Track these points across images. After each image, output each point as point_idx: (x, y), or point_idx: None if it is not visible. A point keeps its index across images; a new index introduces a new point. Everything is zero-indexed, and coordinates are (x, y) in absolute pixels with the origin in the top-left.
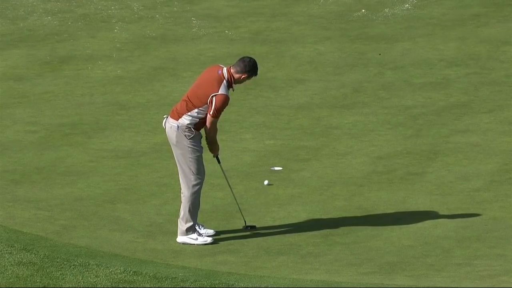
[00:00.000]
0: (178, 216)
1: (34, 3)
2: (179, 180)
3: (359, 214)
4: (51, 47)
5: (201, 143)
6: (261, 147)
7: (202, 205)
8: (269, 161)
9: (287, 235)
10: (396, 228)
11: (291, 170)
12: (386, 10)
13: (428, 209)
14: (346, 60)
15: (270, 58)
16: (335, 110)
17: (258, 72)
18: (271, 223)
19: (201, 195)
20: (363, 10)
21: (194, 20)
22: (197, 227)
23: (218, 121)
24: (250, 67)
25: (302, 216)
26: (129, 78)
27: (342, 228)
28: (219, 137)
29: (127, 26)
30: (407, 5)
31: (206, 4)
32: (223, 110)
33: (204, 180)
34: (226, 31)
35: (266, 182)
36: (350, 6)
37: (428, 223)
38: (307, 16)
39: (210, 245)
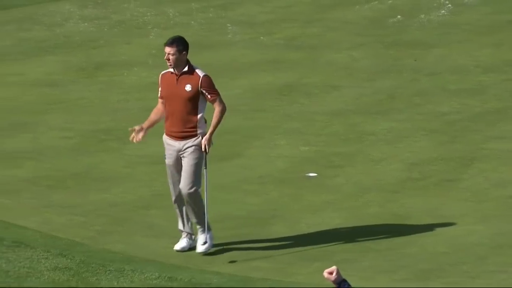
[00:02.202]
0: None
1: (71, 10)
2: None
3: (393, 221)
4: (86, 54)
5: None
6: (296, 153)
7: (237, 211)
8: (303, 167)
9: (321, 241)
10: (430, 234)
11: (325, 176)
12: (422, 16)
13: (463, 216)
14: (380, 66)
15: (304, 64)
16: (370, 116)
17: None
18: (305, 230)
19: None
20: (399, 16)
21: (229, 27)
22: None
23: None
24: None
25: (336, 222)
26: None
27: (376, 234)
28: (254, 143)
29: (163, 32)
30: (443, 11)
31: (241, 10)
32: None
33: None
34: (261, 37)
35: (311, 174)
36: (385, 12)
37: (463, 230)
38: (342, 22)
39: (245, 251)
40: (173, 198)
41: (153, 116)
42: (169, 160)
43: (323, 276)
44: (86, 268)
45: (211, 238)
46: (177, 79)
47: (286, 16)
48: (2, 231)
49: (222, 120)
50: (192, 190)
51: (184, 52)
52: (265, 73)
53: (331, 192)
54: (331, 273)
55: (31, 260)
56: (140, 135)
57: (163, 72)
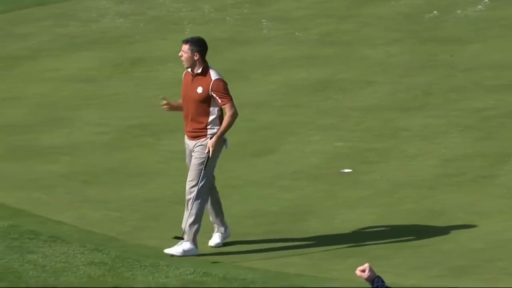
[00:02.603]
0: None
1: (107, 6)
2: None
3: (428, 217)
4: (122, 49)
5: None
6: (330, 149)
7: (271, 207)
8: (337, 163)
9: (355, 237)
10: (466, 231)
11: (360, 172)
12: (459, 11)
13: (499, 212)
14: (416, 62)
15: (339, 60)
16: (405, 112)
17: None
18: (339, 226)
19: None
20: (435, 12)
21: (264, 22)
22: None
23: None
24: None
25: (370, 218)
26: None
27: (411, 231)
28: (288, 139)
29: (198, 28)
30: (479, 6)
31: (276, 6)
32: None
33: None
34: (296, 33)
35: (345, 170)
36: (421, 7)
37: (499, 226)
38: (377, 18)
39: (279, 247)
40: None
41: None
42: (187, 159)
43: (356, 274)
44: (122, 263)
45: (186, 251)
46: (192, 80)
47: (321, 11)
48: (39, 226)
49: (233, 126)
50: (192, 187)
51: (196, 53)
52: (300, 69)
53: (365, 188)
54: (363, 270)
55: (67, 255)
56: (173, 104)
57: (186, 71)
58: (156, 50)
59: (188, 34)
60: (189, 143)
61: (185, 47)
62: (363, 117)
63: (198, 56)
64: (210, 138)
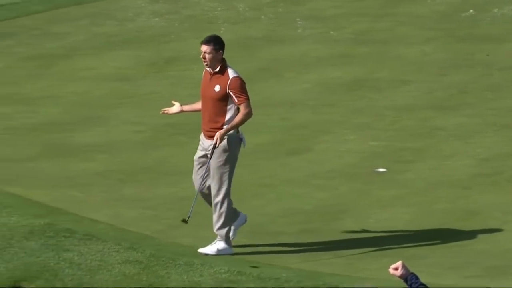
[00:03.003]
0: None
1: (142, 5)
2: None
3: (463, 217)
4: (157, 48)
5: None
6: (365, 148)
7: (306, 206)
8: (372, 162)
9: (390, 237)
10: (501, 231)
11: (394, 171)
12: (495, 10)
13: None
14: (451, 60)
15: (374, 59)
16: (440, 111)
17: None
18: (374, 225)
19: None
20: (471, 10)
21: (299, 21)
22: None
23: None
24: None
25: (405, 218)
26: None
27: (446, 230)
28: (323, 138)
29: (232, 27)
30: None
31: (311, 4)
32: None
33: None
34: (331, 32)
35: (380, 169)
36: (457, 6)
37: None
38: (413, 17)
39: (313, 246)
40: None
41: (196, 104)
42: (196, 155)
43: (389, 273)
44: (156, 262)
45: (220, 250)
46: (210, 78)
47: (356, 10)
48: (74, 224)
49: (245, 123)
50: (222, 194)
51: (220, 51)
52: (334, 67)
53: (400, 187)
54: (396, 268)
55: (102, 253)
56: (172, 111)
57: (205, 70)
58: (190, 49)
59: (223, 33)
60: (205, 142)
61: (208, 47)
62: (398, 116)
63: (221, 54)
64: (227, 139)
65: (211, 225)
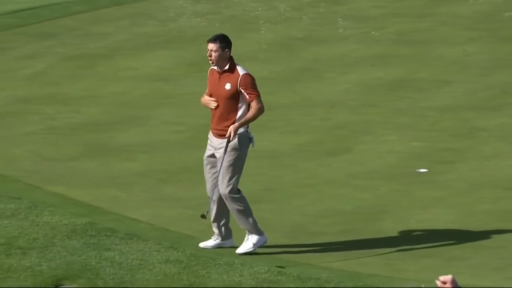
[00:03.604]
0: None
1: (184, 5)
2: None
3: (506, 218)
4: (198, 48)
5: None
6: (406, 149)
7: (346, 206)
8: (413, 163)
9: (431, 238)
10: None
11: (436, 172)
12: None
13: None
14: (494, 61)
15: (415, 59)
16: (482, 112)
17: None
18: (414, 226)
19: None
20: None
21: (340, 21)
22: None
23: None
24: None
25: (446, 219)
26: (274, 78)
27: (488, 231)
28: (363, 138)
29: (274, 27)
30: None
31: (352, 5)
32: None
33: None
34: (372, 32)
35: (421, 170)
36: (500, 6)
37: None
38: (454, 17)
39: (353, 246)
40: (208, 194)
41: None
42: (205, 154)
43: (436, 284)
44: (197, 261)
45: (255, 243)
46: (219, 77)
47: (398, 10)
48: (116, 223)
49: (257, 119)
50: (228, 190)
51: (226, 50)
52: (375, 68)
53: (441, 188)
54: (445, 282)
55: (143, 253)
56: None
57: (211, 68)
58: (232, 50)
59: (264, 34)
60: (214, 140)
61: (214, 45)
62: (439, 117)
63: (228, 52)
64: (238, 138)
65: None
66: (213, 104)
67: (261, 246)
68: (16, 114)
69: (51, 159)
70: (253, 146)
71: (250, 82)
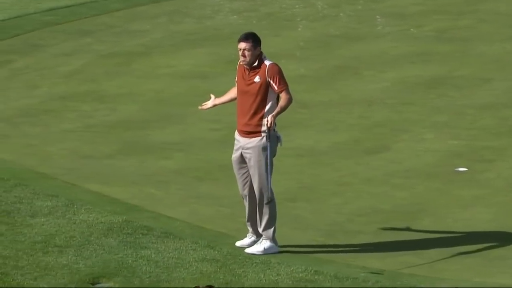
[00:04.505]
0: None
1: (221, 3)
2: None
3: None
4: (235, 46)
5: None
6: (444, 147)
7: (384, 205)
8: (452, 161)
9: (470, 237)
10: None
11: (475, 171)
12: None
13: None
14: None
15: (455, 57)
16: None
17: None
18: (453, 225)
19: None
20: None
21: (379, 18)
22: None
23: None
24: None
25: (486, 218)
26: (311, 76)
27: None
28: (402, 137)
29: (311, 24)
30: None
31: (390, 2)
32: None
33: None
34: (411, 29)
35: (460, 169)
36: None
37: None
38: (494, 14)
39: (391, 246)
40: (240, 192)
41: (226, 95)
42: (233, 156)
43: None
44: (233, 260)
45: (266, 249)
46: (248, 74)
47: (437, 7)
48: (152, 221)
49: (287, 109)
50: (267, 194)
51: (258, 48)
52: (414, 65)
53: (481, 187)
54: None
55: (180, 251)
56: (207, 105)
57: (239, 64)
58: (268, 46)
59: (301, 31)
60: (240, 139)
61: (247, 44)
62: (479, 115)
63: (259, 50)
64: (266, 138)
65: (288, 223)
66: (204, 106)
67: (272, 254)
68: (53, 112)
69: (88, 156)
70: (281, 145)
71: (278, 71)
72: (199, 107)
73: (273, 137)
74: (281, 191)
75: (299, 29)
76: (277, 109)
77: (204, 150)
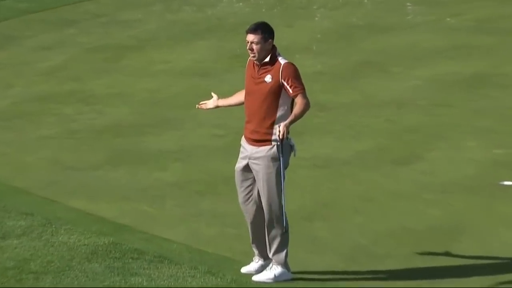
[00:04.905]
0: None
1: None
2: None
3: None
4: (241, 38)
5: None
6: (488, 157)
7: (416, 225)
8: (497, 173)
9: None
10: None
11: None
12: None
13: None
14: None
15: (499, 51)
16: None
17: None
18: (499, 248)
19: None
20: None
21: (409, 6)
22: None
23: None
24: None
25: None
26: (330, 74)
27: None
28: (437, 144)
29: (330, 13)
30: None
31: None
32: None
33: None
34: (447, 19)
35: (506, 182)
36: None
37: None
38: None
39: (426, 271)
40: (241, 207)
41: (233, 97)
42: (238, 165)
43: None
44: None
45: (277, 276)
46: (258, 71)
47: None
48: (144, 243)
49: (304, 117)
50: (277, 212)
51: (270, 40)
52: (452, 61)
53: None
54: None
55: (176, 278)
56: (208, 105)
57: (250, 59)
58: (280, 39)
59: (319, 21)
60: (248, 147)
61: (256, 36)
62: None
63: (271, 43)
64: (277, 147)
65: (304, 246)
66: (203, 105)
67: (284, 281)
68: (30, 115)
69: (70, 168)
70: (294, 155)
71: (294, 72)
72: (197, 106)
73: (285, 146)
74: (295, 208)
75: (316, 18)
76: (291, 116)
77: (206, 160)
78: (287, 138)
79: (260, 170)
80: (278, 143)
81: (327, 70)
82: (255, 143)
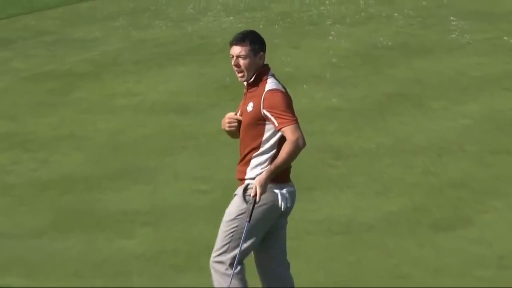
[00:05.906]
0: None
1: None
2: None
3: None
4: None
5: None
6: None
7: None
8: None
9: None
10: None
11: None
12: None
13: None
14: None
15: None
16: None
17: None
18: None
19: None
20: None
21: (453, 21)
22: None
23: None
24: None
25: None
26: (349, 110)
27: None
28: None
29: (349, 30)
30: None
31: None
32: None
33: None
34: (505, 37)
35: None
36: None
37: None
38: None
39: None
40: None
41: None
42: None
43: None
44: None
45: None
46: (245, 95)
47: None
48: None
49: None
50: (216, 261)
51: (261, 53)
52: (510, 92)
53: None
54: None
55: None
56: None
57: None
58: (283, 64)
59: (333, 41)
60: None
61: (243, 48)
62: None
63: (262, 57)
64: (248, 186)
65: None
66: (228, 125)
67: None
68: None
69: (6, 235)
70: (283, 208)
71: (280, 100)
72: (225, 126)
73: (267, 199)
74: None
75: (330, 37)
76: (274, 163)
77: (185, 224)
78: (256, 201)
79: (231, 205)
80: (250, 202)
81: (345, 106)
82: (240, 181)
